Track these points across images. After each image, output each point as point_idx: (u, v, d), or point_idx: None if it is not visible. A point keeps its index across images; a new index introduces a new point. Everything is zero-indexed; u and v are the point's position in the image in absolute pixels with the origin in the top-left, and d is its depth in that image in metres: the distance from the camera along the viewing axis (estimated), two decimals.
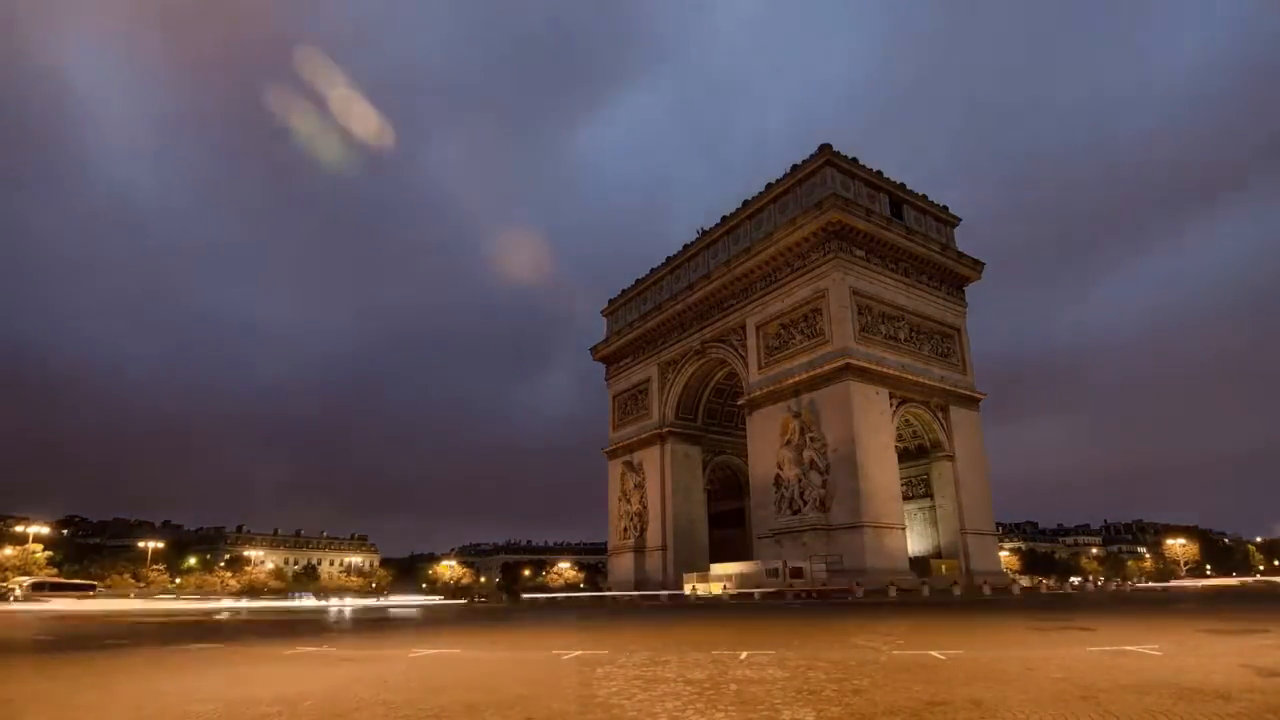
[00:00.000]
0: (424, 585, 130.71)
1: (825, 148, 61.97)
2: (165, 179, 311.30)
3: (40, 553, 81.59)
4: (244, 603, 72.99)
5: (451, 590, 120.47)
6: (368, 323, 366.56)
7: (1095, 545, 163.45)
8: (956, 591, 50.02)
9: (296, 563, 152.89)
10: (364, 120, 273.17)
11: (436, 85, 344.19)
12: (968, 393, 64.39)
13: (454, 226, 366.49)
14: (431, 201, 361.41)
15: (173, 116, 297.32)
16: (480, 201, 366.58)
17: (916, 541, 61.13)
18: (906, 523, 57.59)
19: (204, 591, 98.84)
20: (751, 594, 50.80)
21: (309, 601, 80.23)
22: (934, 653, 11.03)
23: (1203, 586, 78.57)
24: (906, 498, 58.51)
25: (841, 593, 47.39)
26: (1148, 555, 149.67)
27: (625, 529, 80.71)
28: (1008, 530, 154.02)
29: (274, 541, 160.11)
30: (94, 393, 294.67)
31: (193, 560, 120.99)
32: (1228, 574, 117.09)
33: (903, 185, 66.17)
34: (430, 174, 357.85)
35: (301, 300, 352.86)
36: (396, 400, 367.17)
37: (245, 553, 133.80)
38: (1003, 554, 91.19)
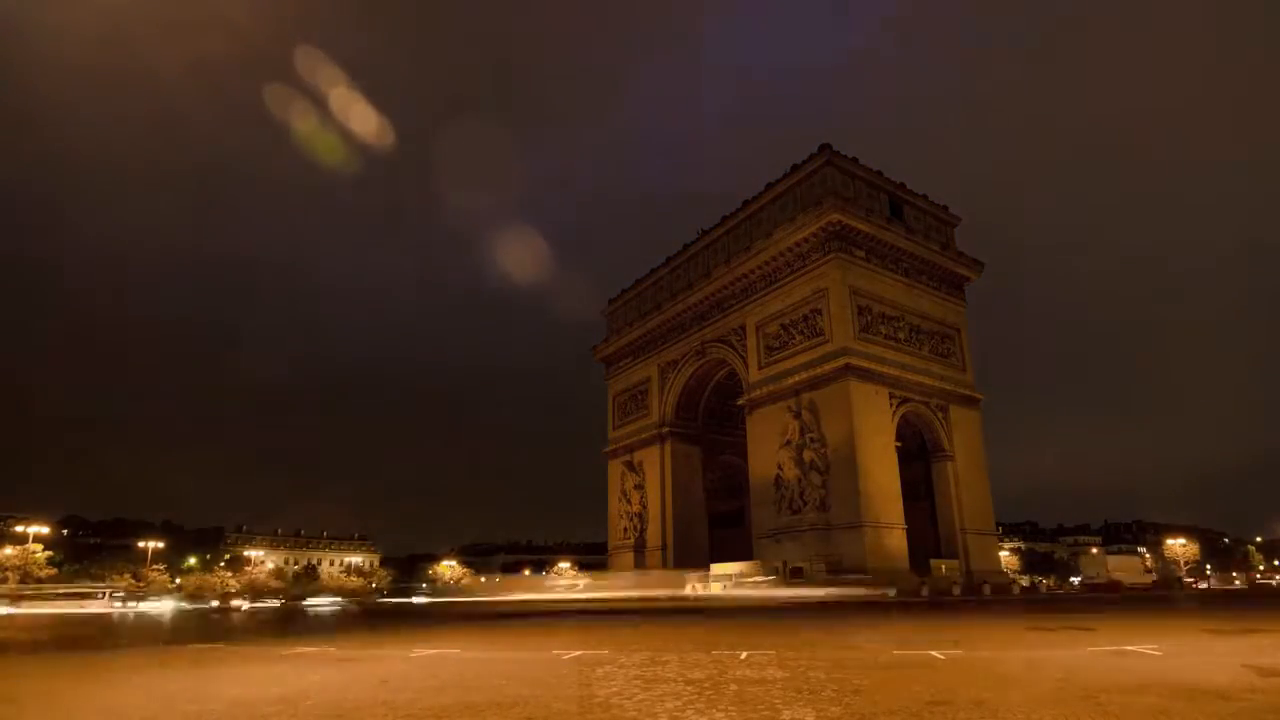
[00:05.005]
0: (424, 585, 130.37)
1: (825, 147, 61.81)
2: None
3: (40, 553, 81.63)
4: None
5: (452, 590, 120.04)
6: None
7: (1095, 545, 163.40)
8: (956, 591, 50.01)
9: (297, 563, 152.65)
10: None
11: None
12: (968, 393, 64.35)
13: None
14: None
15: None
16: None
17: (916, 541, 61.06)
18: (906, 523, 57.56)
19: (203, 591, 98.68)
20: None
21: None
22: (934, 653, 11.02)
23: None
24: (906, 498, 58.45)
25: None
26: (1148, 555, 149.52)
27: (625, 529, 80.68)
28: (1008, 530, 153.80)
29: (274, 541, 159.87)
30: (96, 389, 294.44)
31: (193, 560, 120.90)
32: (1228, 574, 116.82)
33: (903, 185, 66.06)
34: None
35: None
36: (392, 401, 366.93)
37: (245, 553, 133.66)
38: (1003, 554, 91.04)
